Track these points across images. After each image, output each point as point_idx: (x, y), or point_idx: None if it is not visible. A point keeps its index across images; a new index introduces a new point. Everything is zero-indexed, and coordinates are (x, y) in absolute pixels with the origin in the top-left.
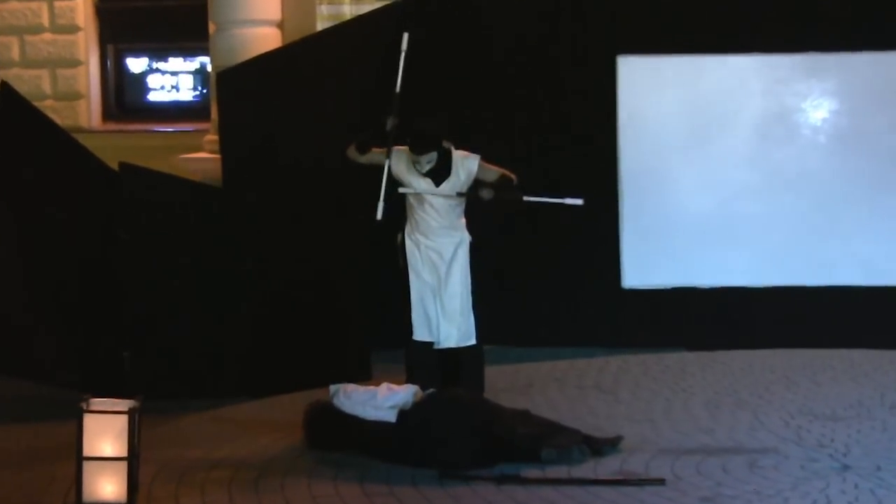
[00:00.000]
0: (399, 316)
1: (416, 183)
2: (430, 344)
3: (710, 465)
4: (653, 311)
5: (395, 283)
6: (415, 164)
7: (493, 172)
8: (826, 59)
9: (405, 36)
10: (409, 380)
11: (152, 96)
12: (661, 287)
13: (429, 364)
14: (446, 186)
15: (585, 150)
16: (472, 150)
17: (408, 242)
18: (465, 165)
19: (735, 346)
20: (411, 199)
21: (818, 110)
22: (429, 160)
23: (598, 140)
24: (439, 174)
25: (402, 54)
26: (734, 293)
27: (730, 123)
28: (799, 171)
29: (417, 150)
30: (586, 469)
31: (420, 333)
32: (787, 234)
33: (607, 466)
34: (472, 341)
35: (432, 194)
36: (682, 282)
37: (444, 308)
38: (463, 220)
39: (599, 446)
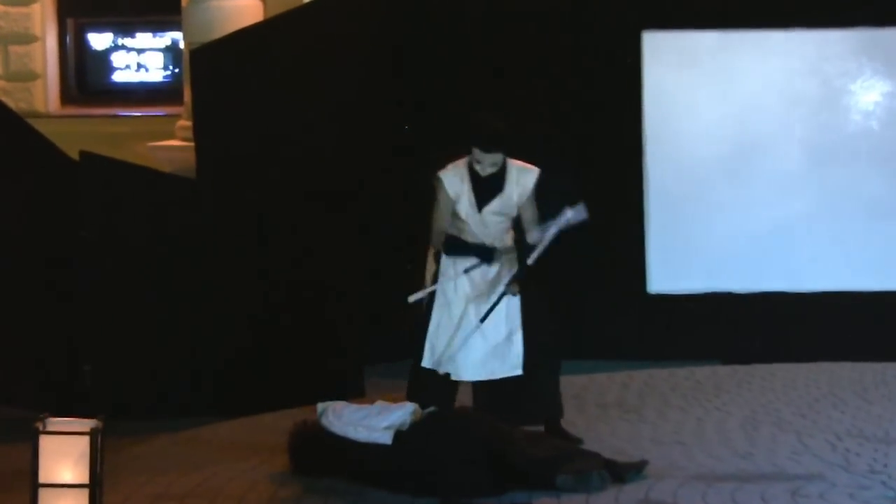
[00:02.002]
0: (398, 325)
1: (463, 206)
2: (445, 374)
3: (748, 493)
4: (682, 320)
5: (398, 289)
6: (475, 164)
7: (533, 208)
8: (879, 35)
9: None
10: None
11: (117, 77)
12: (692, 292)
13: (438, 397)
14: (496, 204)
15: (608, 139)
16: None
17: (444, 260)
18: (521, 181)
19: (775, 358)
20: (453, 207)
21: (869, 93)
22: (493, 162)
23: (621, 128)
24: (491, 187)
25: None
26: (774, 299)
27: (768, 108)
28: (847, 161)
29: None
30: (607, 498)
31: (428, 360)
32: (834, 232)
33: (631, 495)
34: (518, 371)
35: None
36: (716, 286)
37: (484, 336)
38: (511, 234)
39: (622, 472)
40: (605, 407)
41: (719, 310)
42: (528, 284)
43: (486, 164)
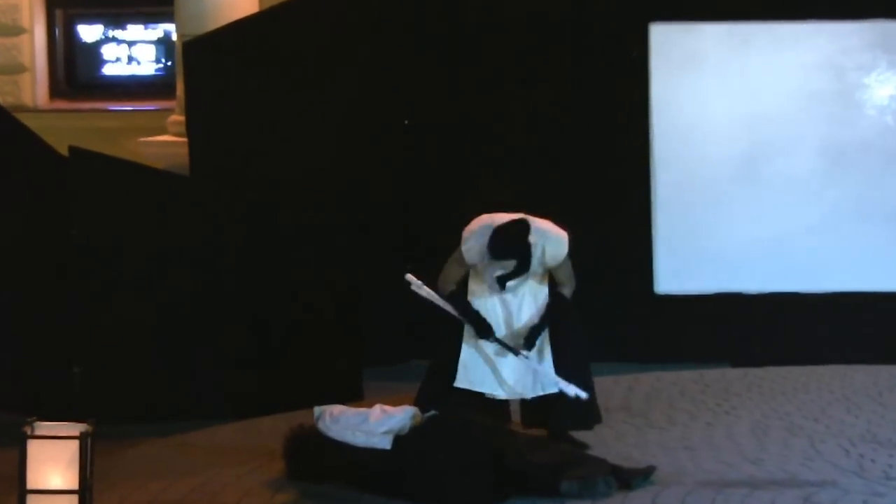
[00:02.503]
0: (397, 327)
1: (486, 276)
2: (477, 394)
3: (758, 500)
4: (691, 321)
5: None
6: (486, 266)
7: (566, 268)
8: (894, 28)
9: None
10: None
11: (108, 70)
12: (701, 293)
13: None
14: (518, 281)
15: (614, 136)
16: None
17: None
18: (550, 252)
19: (787, 361)
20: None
21: (885, 86)
22: (503, 267)
23: (628, 125)
24: (514, 272)
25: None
26: (786, 300)
27: (780, 103)
28: (861, 157)
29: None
30: None
31: (462, 380)
32: (848, 230)
33: (637, 502)
34: (552, 389)
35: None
36: (726, 286)
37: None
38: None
39: (628, 478)
40: (611, 411)
41: (729, 311)
42: (556, 298)
43: (497, 267)
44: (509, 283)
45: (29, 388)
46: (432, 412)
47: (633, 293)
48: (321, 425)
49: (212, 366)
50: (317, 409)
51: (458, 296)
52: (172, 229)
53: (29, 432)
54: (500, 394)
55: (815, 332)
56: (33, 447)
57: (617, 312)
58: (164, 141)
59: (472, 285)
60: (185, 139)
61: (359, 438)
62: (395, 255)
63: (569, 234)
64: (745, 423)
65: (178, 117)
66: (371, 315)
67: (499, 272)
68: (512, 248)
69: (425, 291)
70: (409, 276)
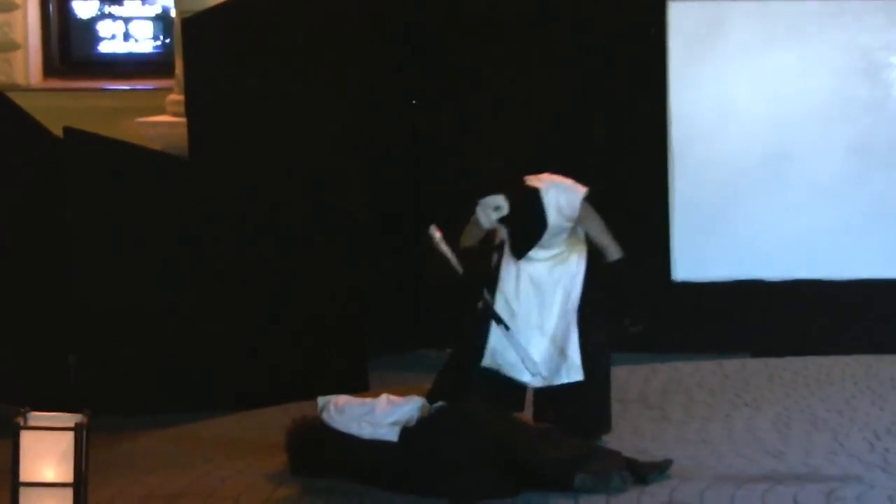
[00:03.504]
0: (405, 315)
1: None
2: (498, 382)
3: (779, 495)
4: (710, 309)
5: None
6: (481, 219)
7: (595, 224)
8: None
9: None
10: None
11: (103, 47)
12: (720, 280)
13: (496, 398)
14: (552, 228)
15: (630, 119)
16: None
17: (505, 263)
18: (561, 199)
19: (809, 351)
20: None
21: None
22: (496, 206)
23: (645, 107)
24: (526, 227)
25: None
26: (808, 288)
27: (803, 83)
28: (889, 139)
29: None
30: (628, 500)
31: (489, 360)
32: (874, 214)
33: (653, 497)
34: (577, 377)
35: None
36: (746, 274)
37: (543, 339)
38: (570, 236)
39: (644, 472)
40: (627, 402)
41: (749, 299)
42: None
43: (489, 208)
44: (532, 253)
45: (22, 377)
46: (441, 403)
47: (648, 281)
48: (325, 416)
49: (212, 355)
50: (321, 400)
51: (476, 264)
52: (170, 213)
53: (22, 423)
54: (527, 378)
55: (840, 321)
56: (26, 439)
57: (632, 301)
58: (163, 121)
59: (506, 255)
60: (183, 119)
61: (364, 430)
62: (402, 239)
63: None
64: (766, 415)
65: (176, 97)
66: (377, 303)
67: (493, 215)
68: (493, 182)
69: (444, 248)
70: (433, 229)
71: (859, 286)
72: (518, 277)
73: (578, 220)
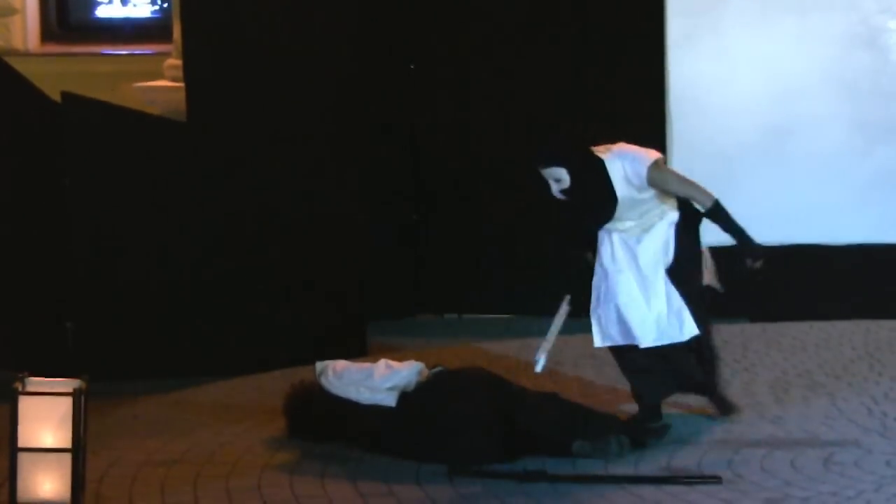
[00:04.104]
0: (404, 280)
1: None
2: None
3: (777, 460)
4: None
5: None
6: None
7: (673, 181)
8: None
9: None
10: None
11: (101, 12)
12: (716, 244)
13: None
14: (623, 200)
15: (628, 88)
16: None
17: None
18: (626, 167)
19: (807, 316)
20: None
21: None
22: (556, 178)
23: (642, 76)
24: (595, 202)
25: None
26: (807, 252)
27: (802, 50)
28: (887, 103)
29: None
30: (626, 465)
31: (602, 339)
32: (873, 177)
33: (652, 462)
34: (671, 340)
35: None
36: None
37: (637, 300)
38: (656, 205)
39: (642, 438)
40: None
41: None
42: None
43: (551, 181)
44: (616, 225)
45: (21, 343)
46: (439, 368)
47: None
48: (324, 381)
49: (210, 320)
50: (319, 365)
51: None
52: (169, 178)
53: (20, 388)
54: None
55: (838, 286)
56: (25, 404)
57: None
58: (161, 86)
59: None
60: (182, 84)
61: (363, 395)
62: (401, 203)
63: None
64: (764, 380)
65: (174, 61)
66: (376, 268)
67: (555, 186)
68: (550, 152)
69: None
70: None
71: (858, 251)
72: (612, 244)
73: (654, 186)
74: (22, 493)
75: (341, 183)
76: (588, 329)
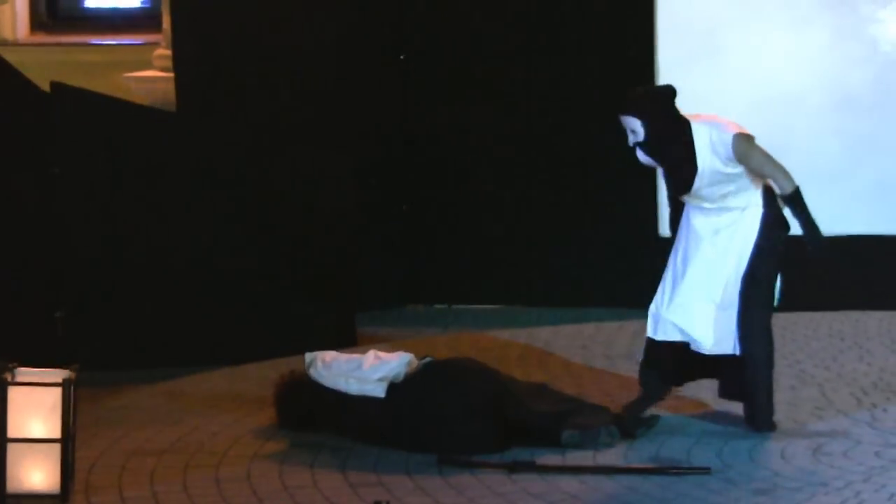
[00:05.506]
0: (393, 271)
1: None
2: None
3: (766, 451)
4: None
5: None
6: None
7: (756, 156)
8: None
9: None
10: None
11: (90, 2)
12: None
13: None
14: (704, 171)
15: (616, 69)
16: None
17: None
18: (714, 136)
19: (797, 307)
20: None
21: None
22: (632, 129)
23: (632, 55)
24: (674, 164)
25: None
26: (795, 242)
27: (791, 37)
28: (875, 94)
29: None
30: (615, 455)
31: (653, 330)
32: (863, 171)
33: (641, 452)
34: (730, 351)
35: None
36: None
37: (710, 305)
38: (741, 193)
39: (632, 428)
40: (614, 358)
41: None
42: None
43: (628, 129)
44: (696, 203)
45: (9, 333)
46: (429, 358)
47: (635, 236)
48: (313, 372)
49: (200, 310)
50: (308, 356)
51: None
52: (158, 168)
53: (10, 379)
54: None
55: (827, 276)
56: (14, 394)
57: (620, 256)
58: (150, 76)
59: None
60: (171, 74)
61: (352, 386)
62: (391, 193)
63: (570, 176)
64: None
65: (164, 51)
66: (366, 258)
67: (630, 136)
68: (632, 101)
69: None
70: None
71: (848, 242)
72: (689, 228)
73: (738, 158)
74: (12, 483)
75: (331, 173)
76: (578, 319)
